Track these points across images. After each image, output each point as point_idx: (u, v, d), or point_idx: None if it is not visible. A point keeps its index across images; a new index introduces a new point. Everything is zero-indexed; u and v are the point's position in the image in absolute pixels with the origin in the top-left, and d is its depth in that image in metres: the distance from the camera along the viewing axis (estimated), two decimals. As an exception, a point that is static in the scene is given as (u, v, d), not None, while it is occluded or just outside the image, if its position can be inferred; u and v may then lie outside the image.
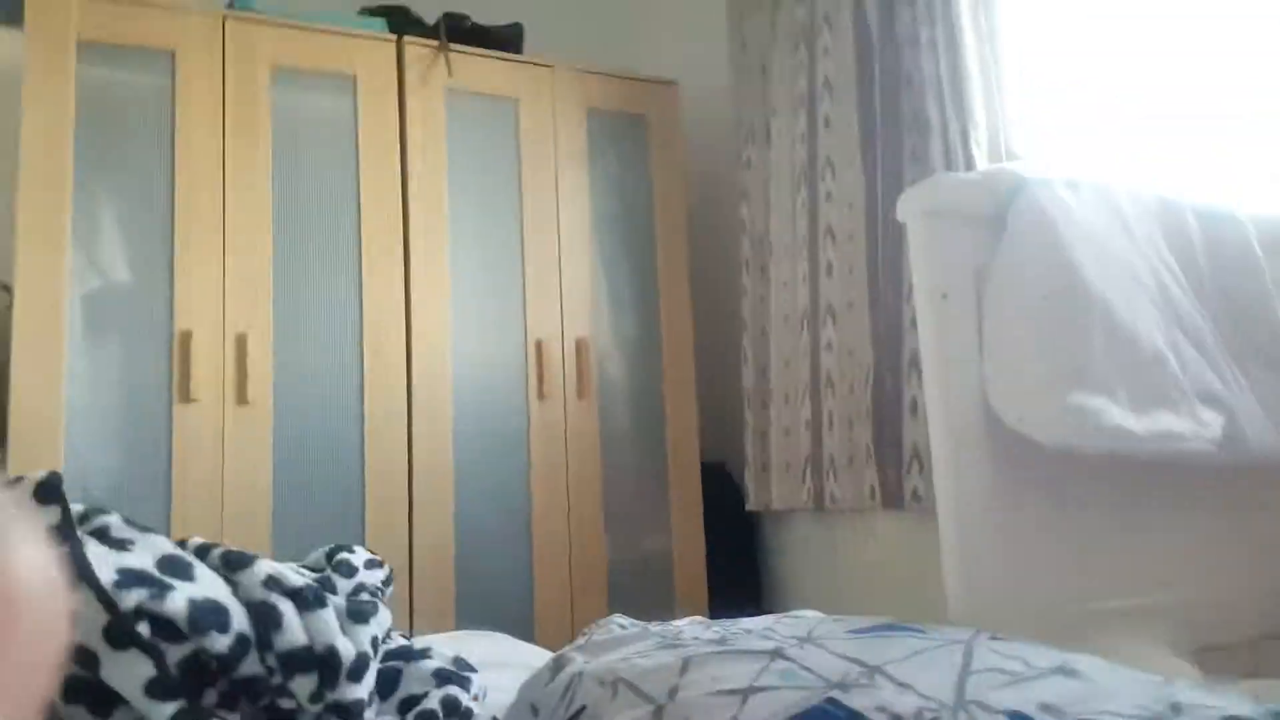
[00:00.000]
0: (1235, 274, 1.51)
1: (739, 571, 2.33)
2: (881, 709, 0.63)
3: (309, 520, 1.84)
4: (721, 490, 2.37)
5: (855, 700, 0.66)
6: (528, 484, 2.07)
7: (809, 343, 2.13)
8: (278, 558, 0.92)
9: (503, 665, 1.26)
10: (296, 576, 0.87)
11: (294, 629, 0.82)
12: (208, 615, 0.78)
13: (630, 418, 2.22)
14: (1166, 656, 1.02)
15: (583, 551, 2.10)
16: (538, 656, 1.29)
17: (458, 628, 1.80)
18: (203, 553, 0.86)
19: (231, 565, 0.85)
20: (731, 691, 0.72)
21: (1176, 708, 0.60)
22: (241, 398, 1.82)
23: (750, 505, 2.29)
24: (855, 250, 2.05)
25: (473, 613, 1.89)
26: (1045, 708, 0.61)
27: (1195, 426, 1.29)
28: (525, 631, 1.90)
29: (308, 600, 0.84)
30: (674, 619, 2.21)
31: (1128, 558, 1.24)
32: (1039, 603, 1.15)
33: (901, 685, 0.67)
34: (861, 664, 0.72)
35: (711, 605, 2.19)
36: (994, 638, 0.77)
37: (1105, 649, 1.03)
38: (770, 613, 2.44)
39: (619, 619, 1.04)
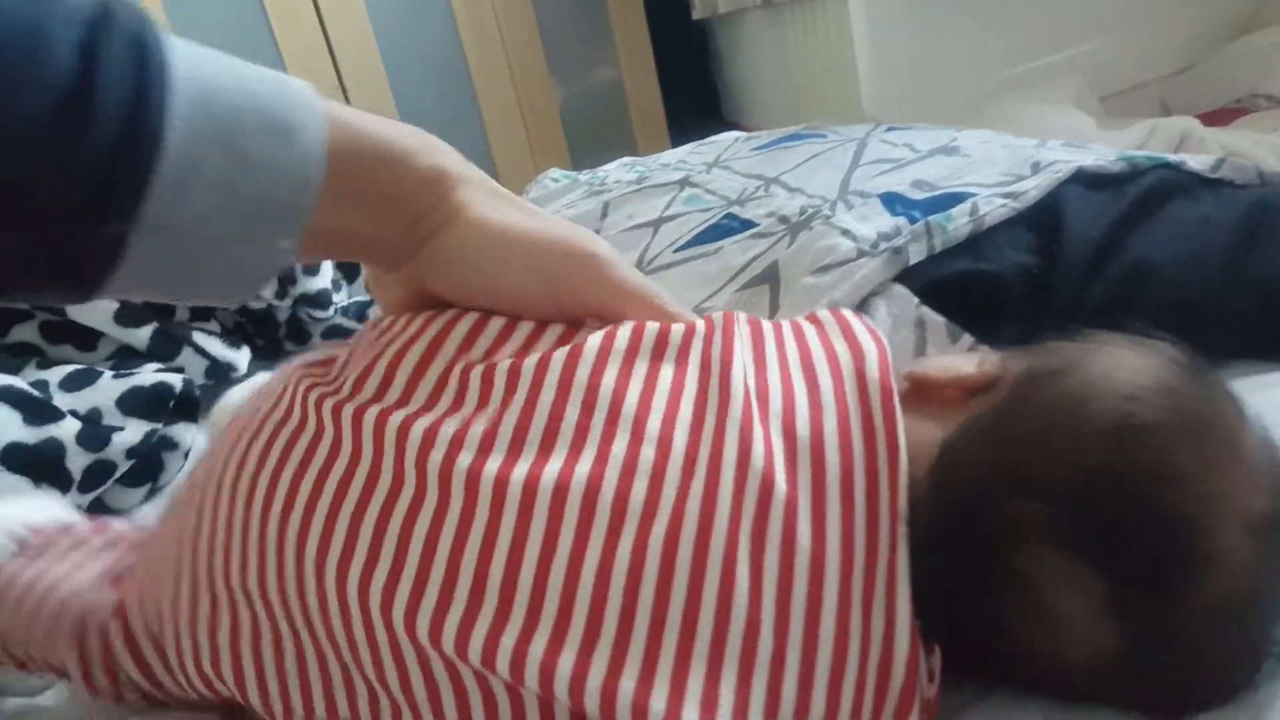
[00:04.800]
0: None
1: (695, 87, 2.30)
2: (771, 214, 0.69)
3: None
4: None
5: (750, 211, 0.71)
6: (457, 35, 1.97)
7: None
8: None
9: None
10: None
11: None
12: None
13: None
14: (1068, 111, 1.04)
15: (531, 98, 2.07)
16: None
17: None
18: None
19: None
20: (643, 225, 0.77)
21: (1035, 166, 0.64)
22: None
23: (697, 14, 2.19)
24: None
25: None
26: (917, 184, 0.65)
27: None
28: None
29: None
30: (639, 149, 2.25)
31: (1034, 20, 1.19)
32: (951, 74, 1.15)
33: (793, 190, 0.71)
34: (760, 178, 0.76)
35: (671, 128, 2.20)
36: (891, 129, 0.80)
37: (1013, 114, 1.06)
38: (733, 124, 2.46)
39: (553, 173, 1.07)
